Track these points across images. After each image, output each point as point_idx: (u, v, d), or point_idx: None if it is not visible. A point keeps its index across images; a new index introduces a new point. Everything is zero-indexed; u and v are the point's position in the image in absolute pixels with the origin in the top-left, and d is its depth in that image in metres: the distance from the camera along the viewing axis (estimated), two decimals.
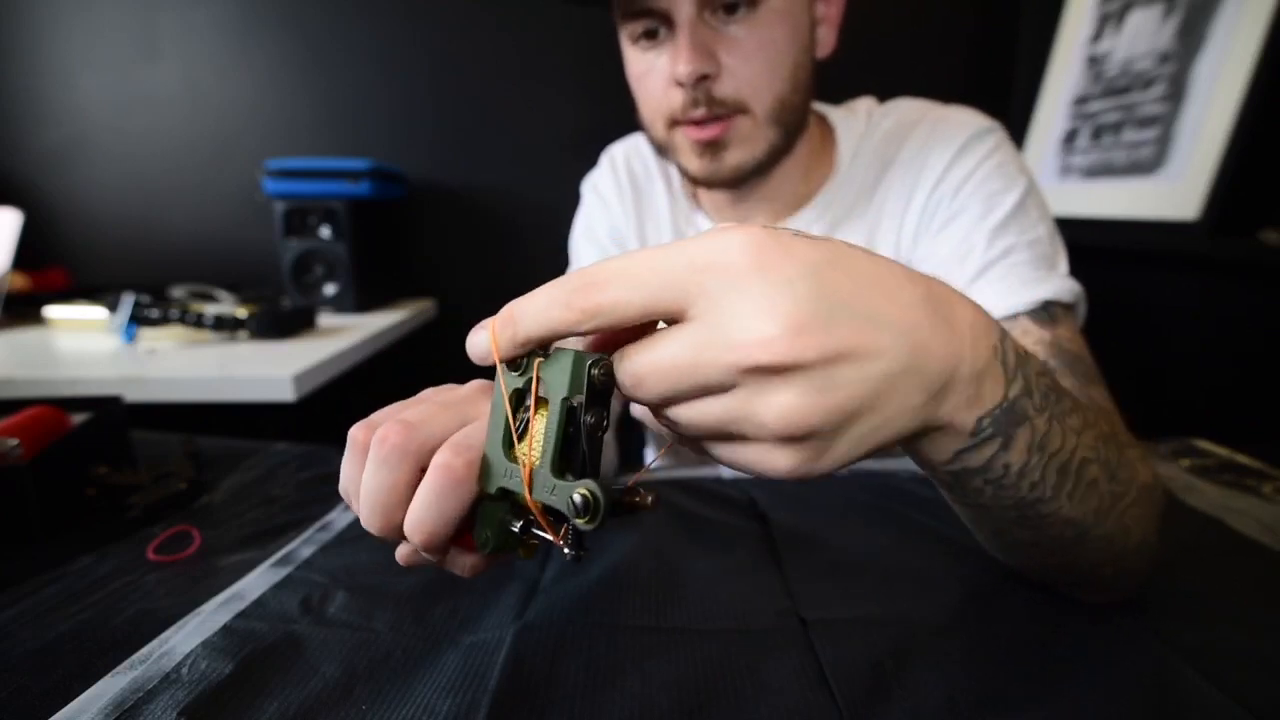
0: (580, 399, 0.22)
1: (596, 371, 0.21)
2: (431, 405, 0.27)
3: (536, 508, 0.23)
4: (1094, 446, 0.30)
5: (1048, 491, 0.28)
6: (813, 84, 0.55)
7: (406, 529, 0.25)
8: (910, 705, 0.29)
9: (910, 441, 0.25)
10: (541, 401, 0.23)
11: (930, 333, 0.21)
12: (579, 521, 0.21)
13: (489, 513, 0.25)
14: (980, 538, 0.35)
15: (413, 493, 0.25)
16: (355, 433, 0.27)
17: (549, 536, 0.24)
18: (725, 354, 0.19)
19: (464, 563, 0.28)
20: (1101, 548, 0.32)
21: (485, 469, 0.24)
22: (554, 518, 0.24)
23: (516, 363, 0.23)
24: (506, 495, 0.24)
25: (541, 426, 0.23)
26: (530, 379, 0.23)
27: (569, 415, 0.22)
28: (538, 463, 0.23)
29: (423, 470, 0.25)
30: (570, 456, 0.23)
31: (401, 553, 0.28)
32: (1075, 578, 0.35)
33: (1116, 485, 0.31)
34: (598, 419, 0.22)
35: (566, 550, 0.23)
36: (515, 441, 0.24)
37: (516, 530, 0.25)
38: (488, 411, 0.25)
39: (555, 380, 0.22)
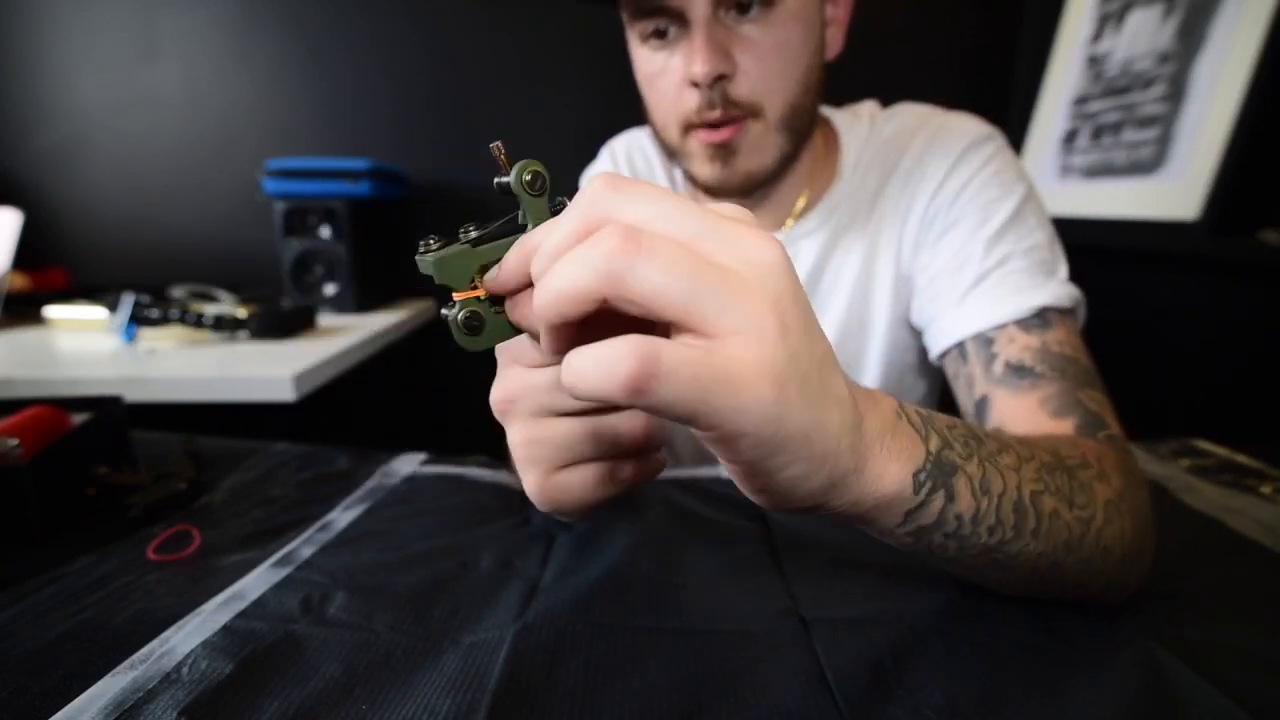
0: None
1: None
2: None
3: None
4: (1039, 478, 0.30)
5: (1008, 533, 0.28)
6: (822, 87, 0.55)
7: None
8: (910, 705, 0.29)
9: (861, 517, 0.25)
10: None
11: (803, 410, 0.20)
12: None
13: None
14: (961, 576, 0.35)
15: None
16: None
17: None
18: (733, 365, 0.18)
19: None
20: (1080, 571, 0.32)
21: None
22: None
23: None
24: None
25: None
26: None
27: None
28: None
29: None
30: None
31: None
32: (1062, 597, 0.35)
33: (1079, 511, 0.31)
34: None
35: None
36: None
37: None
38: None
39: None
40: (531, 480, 0.26)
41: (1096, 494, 0.33)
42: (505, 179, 0.23)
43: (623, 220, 0.19)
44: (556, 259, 0.19)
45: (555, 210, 0.24)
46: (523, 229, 0.24)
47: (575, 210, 0.20)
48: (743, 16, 0.47)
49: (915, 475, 0.25)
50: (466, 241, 0.24)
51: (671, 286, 0.18)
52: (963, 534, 0.27)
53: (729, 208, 0.21)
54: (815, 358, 0.20)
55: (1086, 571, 0.33)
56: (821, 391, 0.21)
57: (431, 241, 0.24)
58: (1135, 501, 0.36)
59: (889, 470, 0.24)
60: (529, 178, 0.23)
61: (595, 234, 0.18)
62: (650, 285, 0.18)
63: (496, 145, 0.24)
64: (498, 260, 0.23)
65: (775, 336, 0.19)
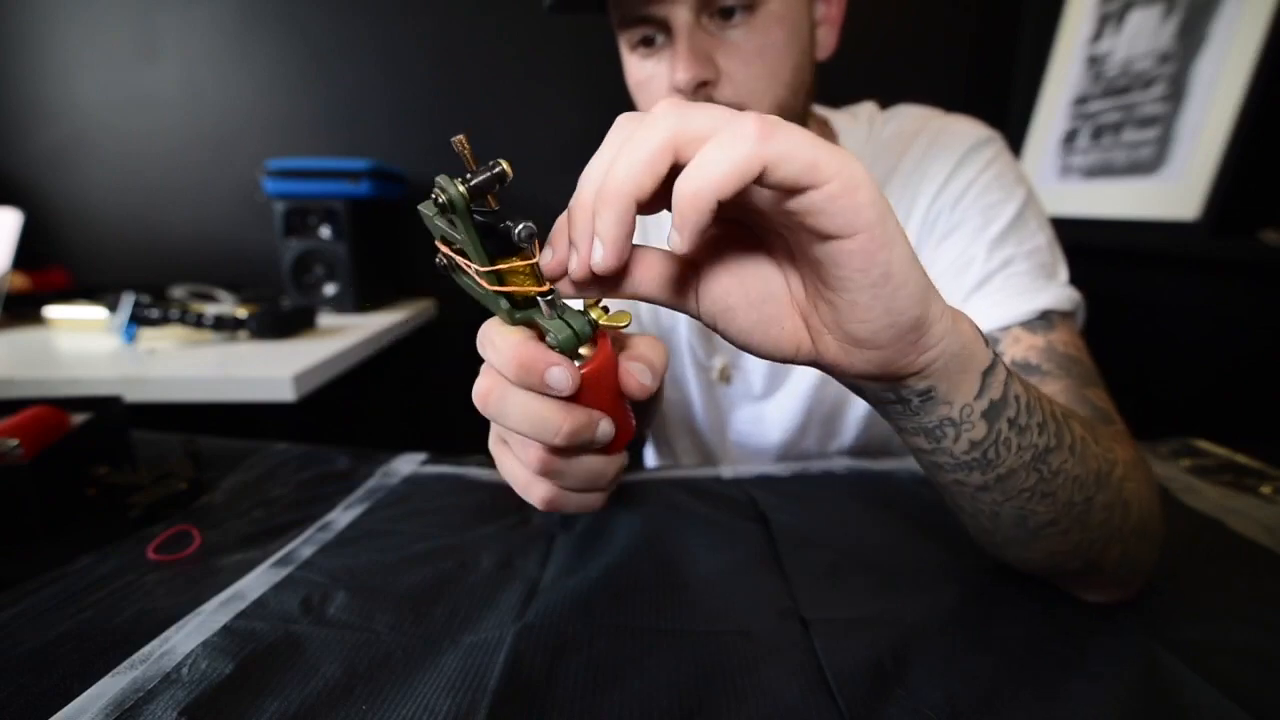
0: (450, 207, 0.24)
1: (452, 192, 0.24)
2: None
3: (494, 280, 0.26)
4: (1064, 409, 0.31)
5: (1052, 439, 0.29)
6: (813, 87, 0.55)
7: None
8: (910, 705, 0.29)
9: (945, 370, 0.26)
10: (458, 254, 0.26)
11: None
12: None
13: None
14: (1001, 538, 0.34)
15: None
16: None
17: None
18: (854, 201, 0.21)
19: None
20: (1107, 518, 0.32)
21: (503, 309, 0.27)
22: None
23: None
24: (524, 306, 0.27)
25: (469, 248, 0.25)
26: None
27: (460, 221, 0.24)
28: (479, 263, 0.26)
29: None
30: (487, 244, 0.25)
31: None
32: (1086, 564, 0.34)
33: (1103, 450, 0.32)
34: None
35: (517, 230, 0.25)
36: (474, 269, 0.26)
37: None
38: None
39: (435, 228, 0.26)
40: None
41: (1116, 450, 0.34)
42: (475, 178, 0.24)
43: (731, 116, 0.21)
44: (700, 147, 0.21)
45: (510, 232, 0.25)
46: (484, 229, 0.25)
47: (703, 120, 0.21)
48: (726, 22, 0.47)
49: (980, 336, 0.27)
50: (439, 207, 0.25)
51: (806, 147, 0.20)
52: (1021, 424, 0.28)
53: None
54: None
55: (1111, 523, 0.32)
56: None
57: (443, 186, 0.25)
58: (1148, 474, 0.36)
59: (961, 321, 0.26)
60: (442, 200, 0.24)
61: (734, 122, 0.20)
62: (802, 149, 0.20)
63: (459, 139, 0.24)
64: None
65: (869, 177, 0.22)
